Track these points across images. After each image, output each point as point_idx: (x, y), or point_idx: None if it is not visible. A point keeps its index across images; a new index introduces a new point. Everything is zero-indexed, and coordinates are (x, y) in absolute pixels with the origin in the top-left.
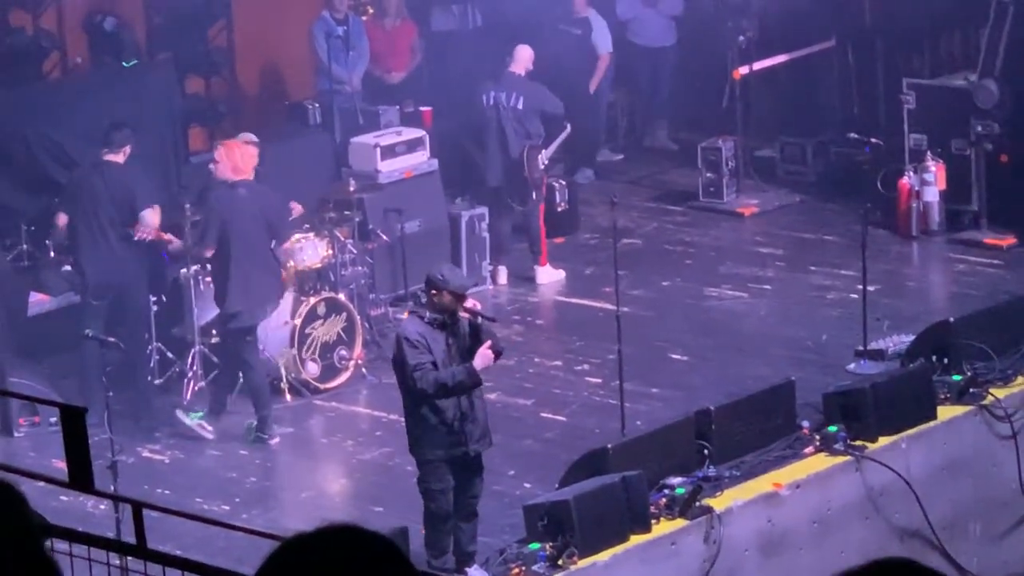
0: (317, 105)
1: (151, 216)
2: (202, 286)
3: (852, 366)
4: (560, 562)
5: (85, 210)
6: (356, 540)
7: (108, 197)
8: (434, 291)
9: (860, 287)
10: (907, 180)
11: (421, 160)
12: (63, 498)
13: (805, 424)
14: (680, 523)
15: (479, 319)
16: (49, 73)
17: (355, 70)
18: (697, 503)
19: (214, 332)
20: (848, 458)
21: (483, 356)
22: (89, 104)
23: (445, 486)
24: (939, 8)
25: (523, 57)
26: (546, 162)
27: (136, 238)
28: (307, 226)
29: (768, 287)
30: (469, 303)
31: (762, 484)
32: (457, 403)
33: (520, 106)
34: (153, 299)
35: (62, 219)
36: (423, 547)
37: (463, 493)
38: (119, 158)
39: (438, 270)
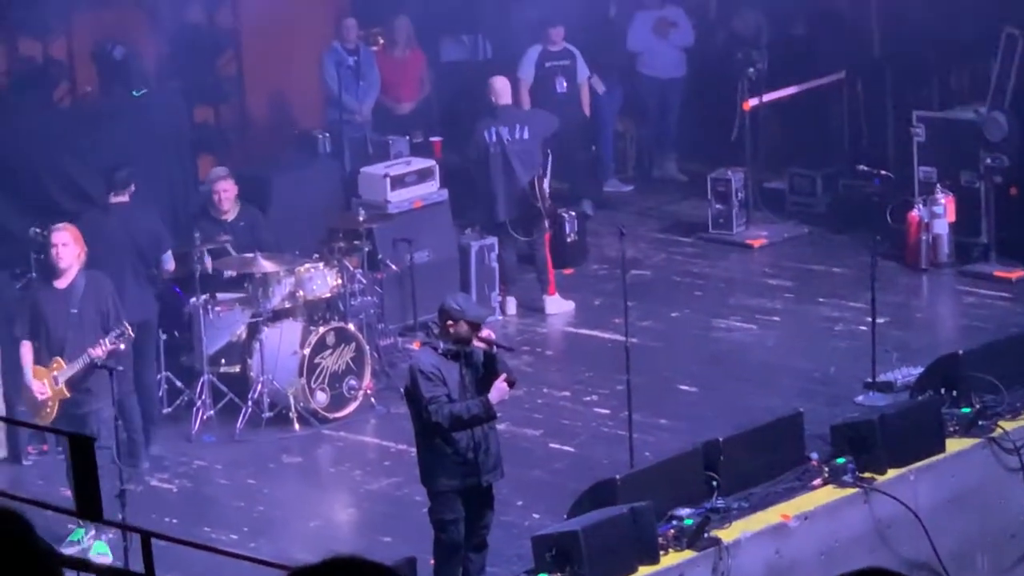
0: (327, 134)
1: (169, 262)
2: (211, 315)
3: (861, 398)
4: None
5: (98, 254)
6: (361, 572)
7: (127, 239)
8: (450, 322)
9: (869, 319)
10: (916, 212)
11: (431, 190)
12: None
13: (813, 456)
14: (688, 554)
15: (494, 349)
16: (59, 101)
17: (365, 100)
18: (705, 534)
19: (222, 361)
20: (856, 490)
21: (499, 389)
22: (98, 133)
23: (457, 516)
24: (948, 41)
25: (505, 88)
26: (547, 189)
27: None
28: (317, 256)
29: (777, 319)
30: (484, 333)
31: (770, 516)
32: (471, 434)
33: (526, 136)
34: (164, 336)
35: None
36: None
37: (474, 524)
38: (125, 198)
39: (453, 300)
